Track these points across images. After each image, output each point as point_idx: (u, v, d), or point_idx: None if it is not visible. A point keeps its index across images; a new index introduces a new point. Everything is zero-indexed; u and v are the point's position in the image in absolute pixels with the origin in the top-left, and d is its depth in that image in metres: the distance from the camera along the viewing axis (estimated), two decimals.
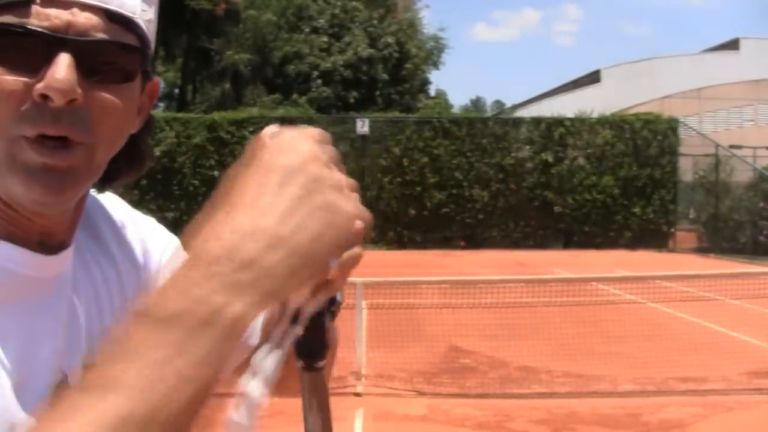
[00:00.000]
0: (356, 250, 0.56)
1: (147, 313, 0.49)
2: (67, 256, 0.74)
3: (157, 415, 0.46)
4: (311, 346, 0.65)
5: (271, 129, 0.58)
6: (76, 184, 0.67)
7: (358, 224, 0.55)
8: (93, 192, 0.85)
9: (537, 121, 23.05)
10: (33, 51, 0.62)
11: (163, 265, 0.89)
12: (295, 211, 0.52)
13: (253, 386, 0.53)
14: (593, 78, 34.48)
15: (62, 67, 0.61)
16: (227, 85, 33.53)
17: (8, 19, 0.62)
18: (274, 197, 0.52)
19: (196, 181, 21.76)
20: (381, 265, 12.66)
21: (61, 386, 0.69)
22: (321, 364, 0.66)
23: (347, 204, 0.54)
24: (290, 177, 0.53)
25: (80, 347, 0.74)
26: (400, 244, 20.77)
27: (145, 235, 0.90)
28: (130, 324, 0.50)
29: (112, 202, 0.88)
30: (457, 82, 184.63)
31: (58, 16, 0.63)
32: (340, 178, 0.55)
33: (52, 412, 0.47)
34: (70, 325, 0.73)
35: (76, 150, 0.65)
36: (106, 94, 0.66)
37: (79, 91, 0.62)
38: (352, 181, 0.57)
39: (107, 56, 0.65)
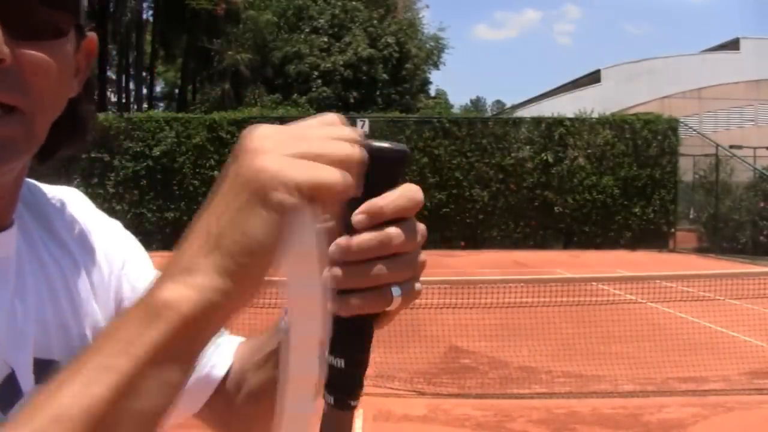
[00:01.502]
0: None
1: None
2: (7, 238, 0.68)
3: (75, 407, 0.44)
4: (351, 379, 0.55)
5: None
6: (13, 156, 0.62)
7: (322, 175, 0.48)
8: (62, 189, 0.82)
9: (537, 121, 23.05)
10: None
11: (127, 271, 0.84)
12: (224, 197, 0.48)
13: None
14: (593, 78, 34.48)
15: None
16: (227, 85, 33.53)
17: None
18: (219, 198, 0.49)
19: (196, 181, 21.76)
20: None
21: (8, 383, 0.64)
22: (356, 402, 0.56)
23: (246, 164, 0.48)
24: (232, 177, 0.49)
25: (27, 338, 0.67)
26: None
27: (109, 234, 0.85)
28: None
29: (74, 197, 0.84)
30: (457, 82, 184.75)
31: None
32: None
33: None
34: (12, 313, 0.66)
35: (12, 117, 0.60)
36: (37, 53, 0.60)
37: (6, 50, 0.57)
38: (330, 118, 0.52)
39: (34, 11, 0.59)
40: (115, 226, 0.89)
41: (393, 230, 0.52)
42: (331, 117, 0.52)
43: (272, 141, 0.47)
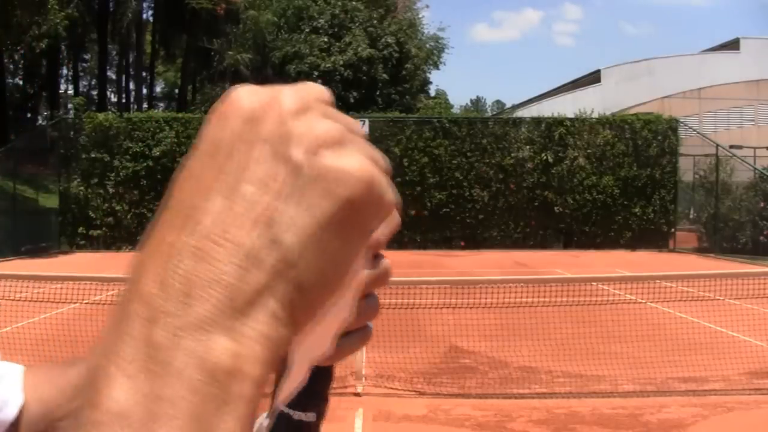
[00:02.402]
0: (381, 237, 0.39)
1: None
2: None
3: None
4: (315, 396, 0.51)
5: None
6: None
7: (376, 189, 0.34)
8: None
9: (537, 121, 23.07)
10: None
11: None
12: (267, 203, 0.33)
13: None
14: (593, 78, 34.49)
15: None
16: (227, 85, 33.40)
17: None
18: (229, 191, 0.33)
19: None
20: None
21: None
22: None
23: (350, 159, 0.34)
24: (239, 151, 0.33)
25: None
26: (401, 244, 20.76)
27: None
28: None
29: None
30: (457, 82, 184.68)
31: None
32: (329, 127, 0.34)
33: None
34: None
35: None
36: None
37: None
38: (351, 124, 0.36)
39: None
40: None
41: (387, 262, 0.42)
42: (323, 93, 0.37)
43: (337, 130, 0.34)
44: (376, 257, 0.43)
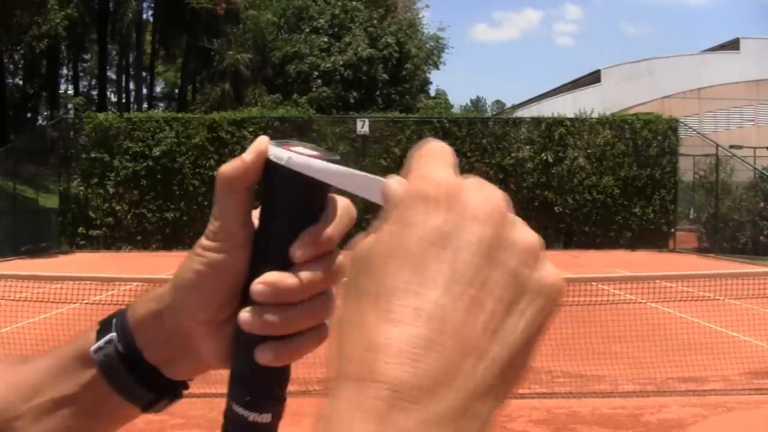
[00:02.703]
0: None
1: None
2: None
3: None
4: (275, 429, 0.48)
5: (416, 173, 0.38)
6: None
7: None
8: None
9: (537, 121, 23.08)
10: None
11: None
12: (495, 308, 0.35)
13: None
14: (593, 78, 34.50)
15: None
16: (227, 85, 33.54)
17: None
18: (453, 286, 0.34)
19: (196, 181, 21.76)
20: None
21: None
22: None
23: (555, 275, 0.37)
24: (462, 250, 0.35)
25: None
26: None
27: None
28: None
29: None
30: (457, 82, 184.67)
31: None
32: (534, 239, 0.38)
33: None
34: None
35: None
36: None
37: None
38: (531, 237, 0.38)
39: None
40: None
41: (342, 258, 0.46)
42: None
43: (539, 241, 0.38)
44: (331, 254, 0.46)
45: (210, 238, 0.48)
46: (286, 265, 0.45)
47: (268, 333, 0.46)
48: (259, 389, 0.47)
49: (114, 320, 0.54)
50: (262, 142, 0.46)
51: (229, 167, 0.46)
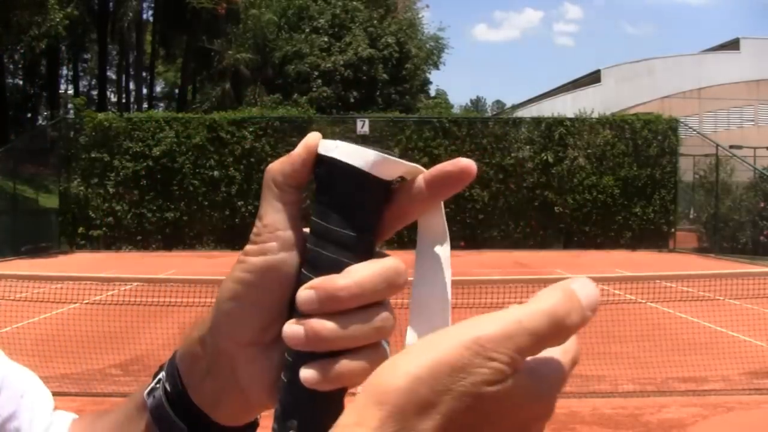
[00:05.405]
0: None
1: None
2: None
3: None
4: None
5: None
6: None
7: None
8: None
9: (537, 121, 23.08)
10: None
11: (27, 402, 0.62)
12: None
13: None
14: (593, 78, 34.49)
15: None
16: (227, 85, 33.54)
17: None
18: None
19: (196, 181, 21.74)
20: None
21: None
22: None
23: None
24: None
25: None
26: (401, 244, 20.64)
27: (8, 363, 0.65)
28: None
29: None
30: (457, 82, 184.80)
31: None
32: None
33: None
34: None
35: None
36: None
37: None
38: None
39: None
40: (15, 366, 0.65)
41: (403, 267, 0.43)
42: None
43: None
44: (383, 254, 0.43)
45: (253, 242, 0.43)
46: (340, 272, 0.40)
47: (315, 347, 0.40)
48: (306, 421, 0.40)
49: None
50: (313, 136, 0.42)
51: (277, 163, 0.43)
